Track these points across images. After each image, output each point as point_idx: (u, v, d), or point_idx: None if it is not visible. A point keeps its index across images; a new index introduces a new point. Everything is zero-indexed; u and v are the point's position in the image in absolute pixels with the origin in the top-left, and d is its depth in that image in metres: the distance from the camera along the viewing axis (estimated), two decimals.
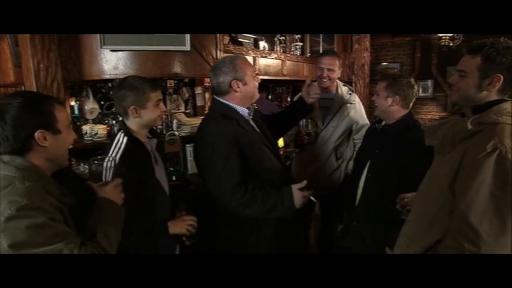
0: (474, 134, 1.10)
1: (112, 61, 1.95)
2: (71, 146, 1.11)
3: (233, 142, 1.50)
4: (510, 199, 0.99)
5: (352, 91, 2.53)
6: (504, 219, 0.99)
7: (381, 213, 1.69)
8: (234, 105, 1.61)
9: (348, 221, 2.10)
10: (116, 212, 1.12)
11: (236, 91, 1.57)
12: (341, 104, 2.37)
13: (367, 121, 2.47)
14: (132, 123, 1.52)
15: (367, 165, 1.87)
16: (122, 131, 1.51)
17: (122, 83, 1.51)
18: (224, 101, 1.61)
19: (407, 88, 1.78)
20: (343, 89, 2.45)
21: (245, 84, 1.57)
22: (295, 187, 1.55)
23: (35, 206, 0.89)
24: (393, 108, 1.78)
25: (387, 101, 1.77)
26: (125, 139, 1.47)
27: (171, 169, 2.48)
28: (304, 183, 1.56)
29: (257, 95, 1.66)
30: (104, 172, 1.20)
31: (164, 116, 2.41)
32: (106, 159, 1.18)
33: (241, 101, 1.61)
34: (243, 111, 1.62)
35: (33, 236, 0.87)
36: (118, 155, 1.43)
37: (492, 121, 1.08)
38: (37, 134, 0.97)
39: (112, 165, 1.19)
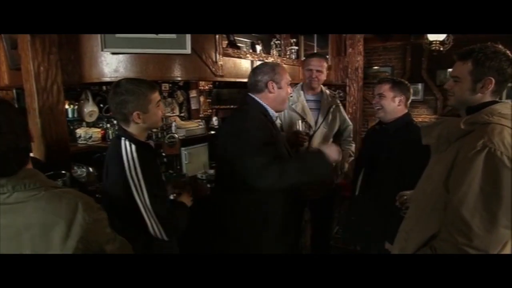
0: (467, 133, 1.15)
1: (113, 64, 1.95)
2: None
3: (268, 132, 1.60)
4: (499, 194, 1.03)
5: (335, 94, 2.64)
6: (493, 213, 1.04)
7: (379, 208, 1.73)
8: (265, 105, 1.70)
9: (347, 217, 2.15)
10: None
11: (270, 92, 1.68)
12: (329, 105, 2.44)
13: (350, 122, 2.61)
14: (133, 128, 1.45)
15: (366, 163, 1.92)
16: (124, 138, 1.42)
17: (118, 88, 1.41)
18: (258, 99, 1.70)
19: (408, 89, 1.88)
20: (327, 92, 2.54)
21: (280, 88, 1.69)
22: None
23: (97, 205, 0.94)
24: (399, 108, 1.86)
25: (395, 101, 1.85)
26: (133, 146, 1.39)
27: (171, 171, 2.48)
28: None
29: (286, 104, 1.76)
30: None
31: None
32: None
33: (272, 103, 1.70)
34: (273, 113, 1.72)
35: (110, 230, 0.94)
36: (138, 166, 1.36)
37: (484, 121, 1.13)
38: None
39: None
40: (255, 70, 1.71)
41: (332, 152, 1.53)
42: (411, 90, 1.93)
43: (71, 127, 2.38)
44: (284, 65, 3.05)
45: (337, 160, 1.55)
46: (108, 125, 3.23)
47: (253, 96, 1.71)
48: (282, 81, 1.68)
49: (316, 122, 2.40)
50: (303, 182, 1.58)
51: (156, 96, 1.46)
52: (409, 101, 1.90)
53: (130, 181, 1.35)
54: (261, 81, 1.67)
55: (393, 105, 1.86)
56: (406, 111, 1.91)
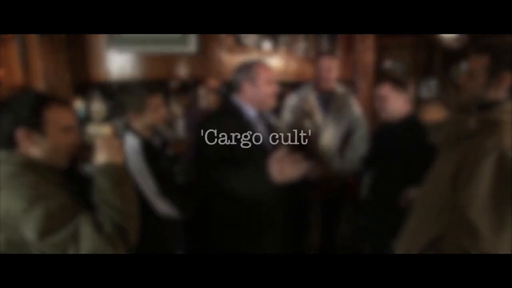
0: (477, 132, 1.11)
1: (119, 63, 1.97)
2: (70, 149, 1.04)
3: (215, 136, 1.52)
4: (509, 196, 1.00)
5: (348, 91, 2.56)
6: (503, 215, 1.01)
7: (389, 211, 1.70)
8: (242, 103, 1.64)
9: (357, 220, 2.12)
10: (109, 172, 0.98)
11: (245, 90, 1.62)
12: (340, 104, 2.39)
13: (363, 121, 2.50)
14: (136, 124, 1.62)
15: (373, 164, 1.89)
16: (129, 133, 1.59)
17: (122, 88, 1.60)
18: (234, 98, 1.66)
19: (408, 86, 1.84)
20: (340, 90, 2.47)
21: (254, 86, 1.61)
22: (273, 157, 1.34)
23: (43, 196, 0.91)
24: (403, 107, 1.82)
25: (399, 101, 1.80)
26: (136, 140, 1.55)
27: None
28: (284, 151, 1.35)
29: (269, 103, 1.65)
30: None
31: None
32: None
33: (250, 101, 1.64)
34: (250, 111, 1.65)
35: (52, 222, 0.89)
36: (139, 158, 1.51)
37: (495, 119, 1.09)
38: (18, 132, 0.95)
39: None
40: (236, 69, 1.68)
41: (274, 166, 1.32)
42: (412, 86, 1.89)
43: (82, 125, 2.42)
44: (293, 62, 3.05)
45: (281, 179, 1.32)
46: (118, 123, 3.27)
47: (232, 95, 1.67)
48: (257, 80, 1.60)
49: (324, 121, 2.36)
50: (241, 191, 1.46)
51: (153, 100, 1.59)
52: (411, 97, 1.85)
53: (133, 169, 1.48)
54: (237, 80, 1.63)
55: (396, 105, 1.81)
56: (410, 108, 1.86)
